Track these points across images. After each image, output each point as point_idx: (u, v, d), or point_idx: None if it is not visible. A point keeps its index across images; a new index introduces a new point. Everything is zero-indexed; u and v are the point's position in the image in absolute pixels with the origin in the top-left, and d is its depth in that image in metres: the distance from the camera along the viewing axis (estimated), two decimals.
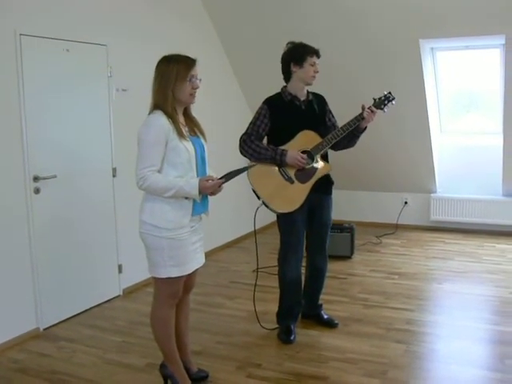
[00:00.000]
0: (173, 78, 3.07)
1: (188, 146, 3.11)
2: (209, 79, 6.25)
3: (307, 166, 3.92)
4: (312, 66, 3.95)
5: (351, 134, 4.01)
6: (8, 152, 4.10)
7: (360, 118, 3.93)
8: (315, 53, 3.96)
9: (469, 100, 7.30)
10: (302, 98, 4.06)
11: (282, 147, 3.90)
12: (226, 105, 6.93)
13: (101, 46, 4.83)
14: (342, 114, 4.25)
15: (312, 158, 3.94)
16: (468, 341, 4.01)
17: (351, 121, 3.94)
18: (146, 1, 5.44)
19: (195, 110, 3.35)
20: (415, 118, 6.63)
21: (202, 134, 3.31)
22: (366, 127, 4.03)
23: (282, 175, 3.93)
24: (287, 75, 4.05)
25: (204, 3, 6.36)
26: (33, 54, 4.22)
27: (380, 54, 6.18)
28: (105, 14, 4.92)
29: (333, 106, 4.25)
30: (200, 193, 3.09)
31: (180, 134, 3.07)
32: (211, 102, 6.27)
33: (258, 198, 3.91)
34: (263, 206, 3.92)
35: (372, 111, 3.95)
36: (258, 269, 4.38)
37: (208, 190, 3.11)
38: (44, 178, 4.34)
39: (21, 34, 4.11)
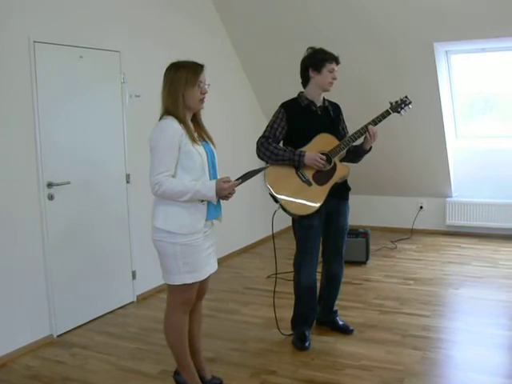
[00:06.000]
0: (182, 83, 3.06)
1: (200, 150, 3.11)
2: (222, 85, 6.28)
3: (325, 168, 3.90)
4: (330, 72, 3.92)
5: (355, 152, 4.05)
6: (22, 158, 4.11)
7: (372, 122, 3.95)
8: (335, 59, 3.94)
9: (484, 103, 7.23)
10: (319, 104, 4.05)
11: (300, 149, 3.89)
12: (240, 111, 6.92)
13: (114, 52, 4.85)
14: (355, 118, 4.23)
15: (330, 161, 3.91)
16: (485, 347, 3.95)
17: (369, 123, 3.95)
18: (159, 7, 5.46)
19: (207, 116, 3.33)
20: (430, 121, 6.58)
21: (211, 139, 3.30)
22: (370, 148, 4.04)
23: (300, 177, 3.90)
24: (305, 80, 4.03)
25: (217, 9, 6.36)
26: (47, 61, 4.24)
27: (394, 58, 6.15)
28: (118, 20, 4.93)
29: (346, 110, 4.23)
30: (217, 194, 3.08)
31: (192, 139, 3.07)
32: (224, 107, 6.27)
33: (276, 201, 3.87)
34: (280, 209, 3.88)
35: (373, 130, 3.92)
36: (276, 274, 4.33)
37: (225, 191, 3.09)
38: (58, 185, 4.35)
39: (35, 41, 4.12)
